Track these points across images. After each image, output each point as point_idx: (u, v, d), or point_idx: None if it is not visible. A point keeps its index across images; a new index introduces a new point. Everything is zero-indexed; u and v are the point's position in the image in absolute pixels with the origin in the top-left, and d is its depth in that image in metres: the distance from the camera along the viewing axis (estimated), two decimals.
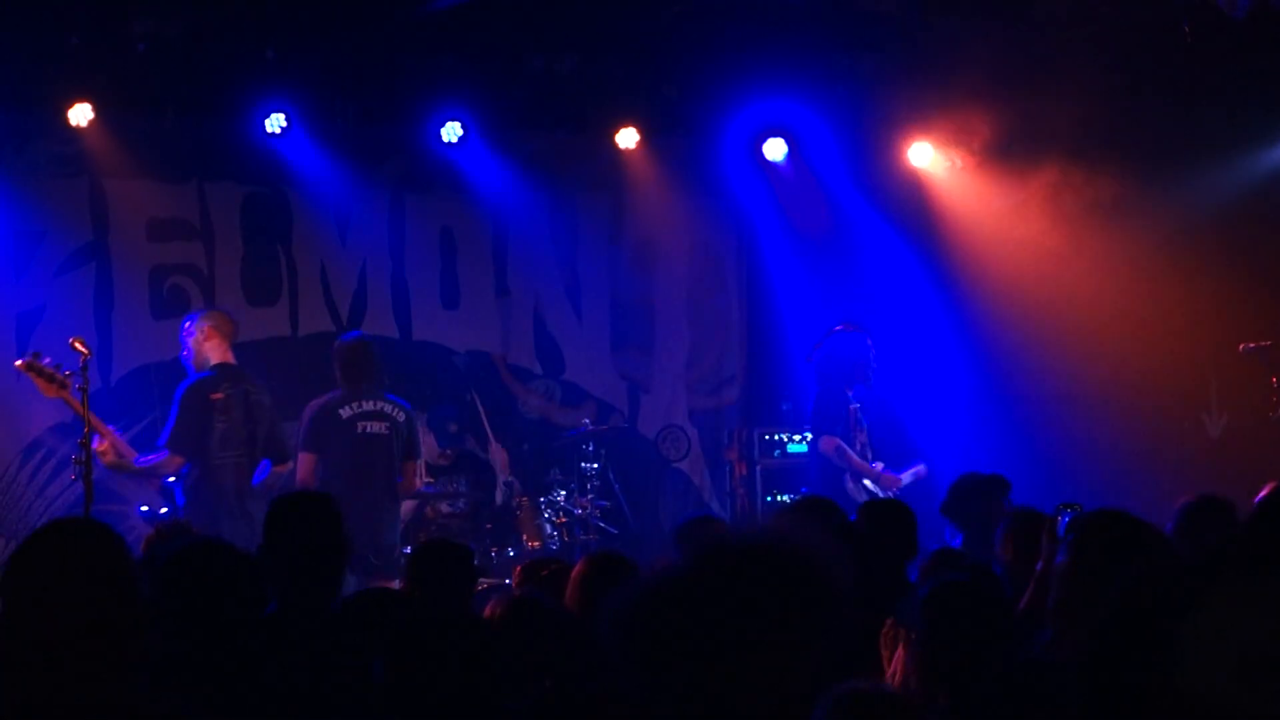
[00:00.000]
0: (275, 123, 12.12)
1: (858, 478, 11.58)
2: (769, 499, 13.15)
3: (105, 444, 9.67)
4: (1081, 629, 4.82)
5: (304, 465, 10.15)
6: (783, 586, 2.73)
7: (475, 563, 6.40)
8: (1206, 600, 2.58)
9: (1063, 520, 5.89)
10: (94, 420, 9.45)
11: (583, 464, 12.48)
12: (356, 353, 10.36)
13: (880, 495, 11.24)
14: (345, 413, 10.15)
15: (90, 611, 3.47)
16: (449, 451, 12.24)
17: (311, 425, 10.18)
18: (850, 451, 11.62)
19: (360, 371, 10.28)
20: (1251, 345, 10.86)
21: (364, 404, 10.21)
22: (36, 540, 3.66)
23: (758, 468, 13.27)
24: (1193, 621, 2.56)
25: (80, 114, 11.69)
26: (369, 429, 10.20)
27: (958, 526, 8.35)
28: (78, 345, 9.52)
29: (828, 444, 11.60)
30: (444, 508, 11.99)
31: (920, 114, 13.32)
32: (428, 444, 12.22)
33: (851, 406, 11.74)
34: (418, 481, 10.67)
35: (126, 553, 3.59)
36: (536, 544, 11.95)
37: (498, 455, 12.99)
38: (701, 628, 2.72)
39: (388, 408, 10.28)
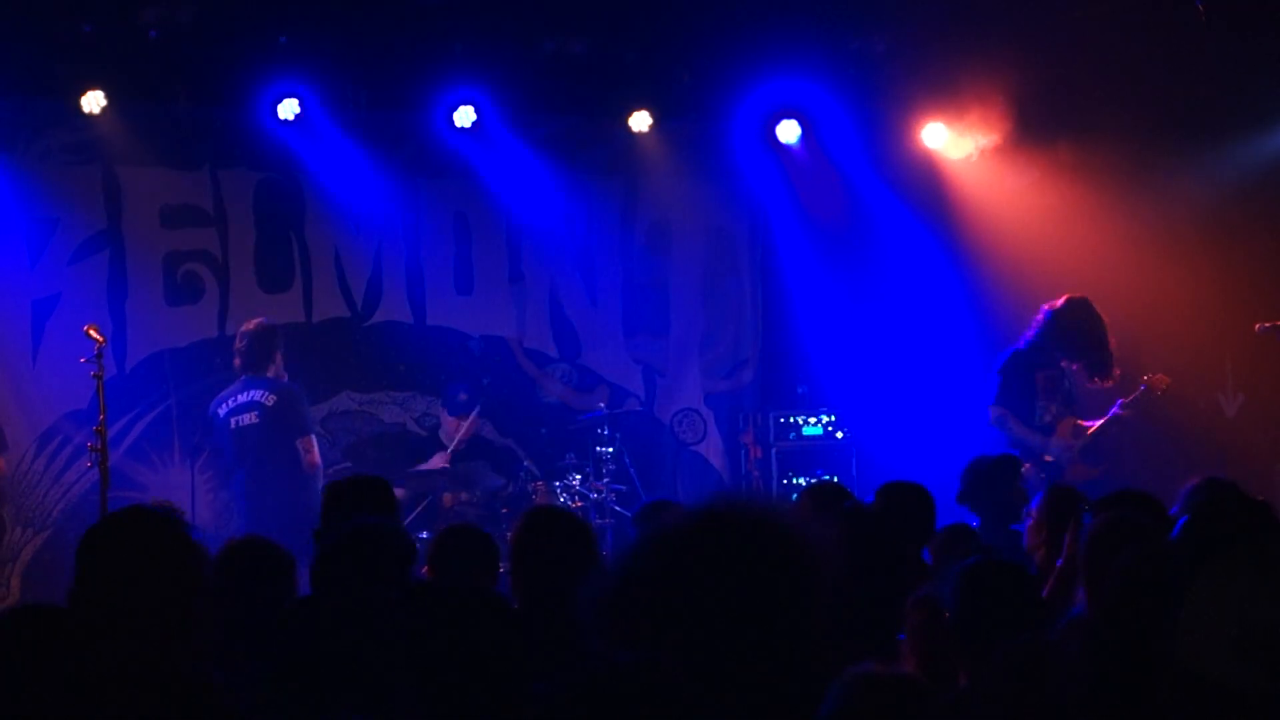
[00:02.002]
0: (288, 109, 12.13)
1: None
2: (784, 482, 13.15)
3: None
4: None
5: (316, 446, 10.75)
6: (762, 556, 2.72)
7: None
8: (1202, 577, 2.58)
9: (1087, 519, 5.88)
10: None
11: (598, 448, 12.48)
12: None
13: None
14: None
15: (157, 590, 3.72)
16: (462, 420, 12.22)
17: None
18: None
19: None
20: (1267, 324, 10.82)
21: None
22: (112, 522, 3.93)
23: (773, 450, 13.28)
24: (1189, 597, 2.57)
25: (93, 101, 11.71)
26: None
27: (975, 511, 8.35)
28: (92, 332, 9.56)
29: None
30: (461, 494, 12.00)
31: (934, 94, 13.30)
32: (444, 425, 12.26)
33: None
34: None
35: (191, 539, 3.81)
36: None
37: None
38: (678, 602, 2.71)
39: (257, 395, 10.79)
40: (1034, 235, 13.51)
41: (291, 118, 12.16)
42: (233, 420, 10.81)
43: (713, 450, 13.92)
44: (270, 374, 10.95)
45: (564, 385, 13.49)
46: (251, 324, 11.11)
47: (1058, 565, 6.34)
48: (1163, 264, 13.01)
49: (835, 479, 12.38)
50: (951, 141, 13.67)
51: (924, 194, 13.83)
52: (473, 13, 11.62)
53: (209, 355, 12.30)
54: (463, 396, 12.25)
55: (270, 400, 10.75)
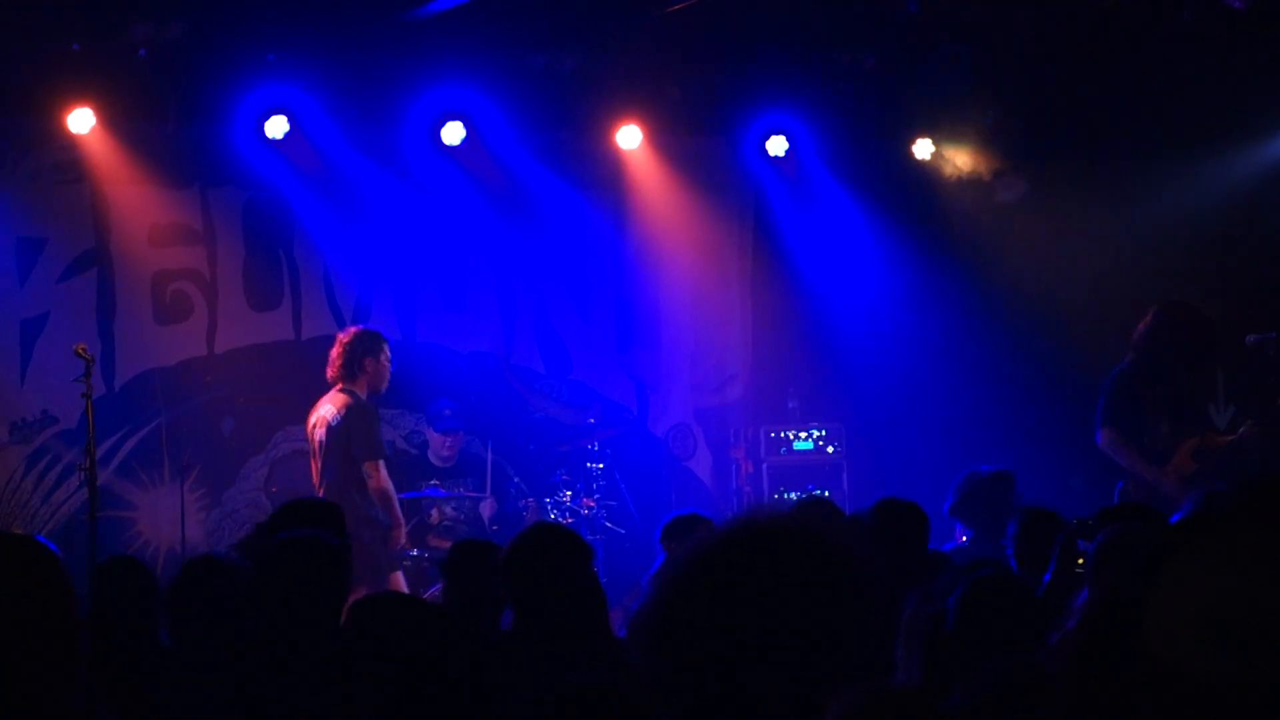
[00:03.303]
0: (277, 126, 12.12)
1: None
2: (775, 497, 13.14)
3: None
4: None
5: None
6: (815, 572, 2.70)
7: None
8: (1171, 565, 2.58)
9: (1082, 545, 5.86)
10: None
11: (588, 464, 12.47)
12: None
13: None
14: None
15: (28, 628, 3.47)
16: (449, 437, 12.19)
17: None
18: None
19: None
20: (1256, 337, 10.82)
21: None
22: None
23: (764, 465, 13.28)
24: (1158, 586, 2.56)
25: (81, 120, 11.69)
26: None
27: (967, 524, 8.34)
28: (81, 351, 9.52)
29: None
30: (449, 510, 11.97)
31: (925, 109, 13.33)
32: (432, 441, 12.23)
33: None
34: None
35: (63, 571, 3.61)
36: None
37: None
38: (732, 614, 2.68)
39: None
40: (1026, 250, 13.53)
41: (280, 135, 12.15)
42: (313, 432, 10.60)
43: (703, 465, 13.91)
44: (358, 385, 10.61)
45: (553, 401, 13.47)
46: (348, 333, 10.87)
47: (1045, 581, 6.34)
48: (1154, 277, 13.01)
49: (826, 493, 12.40)
50: (942, 156, 13.70)
51: (915, 209, 13.84)
52: (462, 29, 11.61)
53: (198, 374, 12.27)
54: (447, 412, 12.23)
55: (336, 419, 10.44)
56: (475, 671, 3.94)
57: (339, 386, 10.61)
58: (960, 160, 13.76)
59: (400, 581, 10.40)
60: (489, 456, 12.35)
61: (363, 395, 10.54)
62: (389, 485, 10.37)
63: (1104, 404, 10.20)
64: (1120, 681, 2.67)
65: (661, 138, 13.38)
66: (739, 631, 2.67)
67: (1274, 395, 10.37)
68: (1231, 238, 13.34)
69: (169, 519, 11.71)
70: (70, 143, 11.86)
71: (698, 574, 2.73)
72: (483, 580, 6.07)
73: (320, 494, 10.17)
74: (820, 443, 13.28)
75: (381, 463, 10.41)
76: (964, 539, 8.81)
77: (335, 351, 10.70)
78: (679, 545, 7.07)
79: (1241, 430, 10.28)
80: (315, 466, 10.55)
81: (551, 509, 12.09)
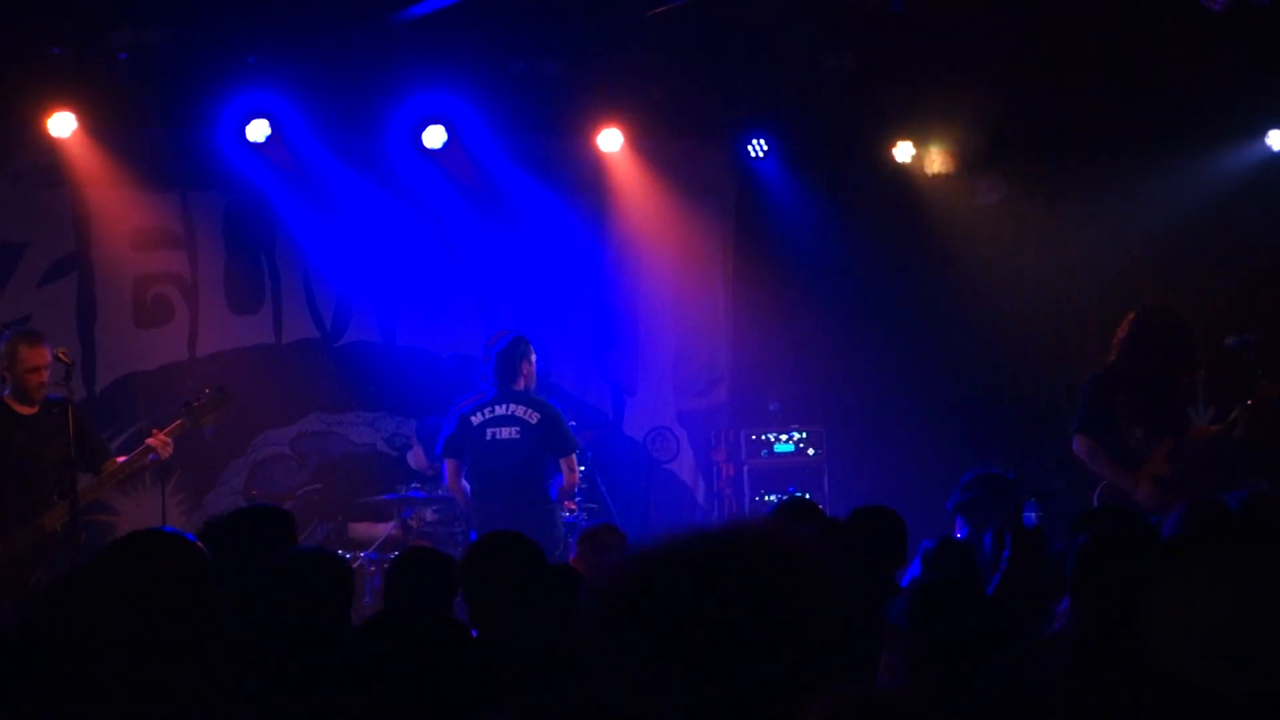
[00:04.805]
0: (258, 130, 12.11)
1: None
2: (757, 499, 13.16)
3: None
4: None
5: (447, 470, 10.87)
6: (778, 582, 2.71)
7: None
8: (1171, 576, 2.60)
9: (1027, 515, 5.91)
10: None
11: None
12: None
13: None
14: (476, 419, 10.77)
15: (163, 622, 3.61)
16: (437, 464, 12.19)
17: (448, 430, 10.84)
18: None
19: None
20: (1234, 338, 10.84)
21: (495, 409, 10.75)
22: (116, 550, 3.75)
23: (745, 468, 13.29)
24: (1158, 597, 2.59)
25: (62, 124, 11.67)
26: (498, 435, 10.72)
27: (967, 522, 8.38)
28: (61, 355, 9.51)
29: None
30: (429, 515, 11.96)
31: (904, 111, 13.35)
32: (417, 456, 12.19)
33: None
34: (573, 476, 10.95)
35: (206, 563, 3.69)
36: None
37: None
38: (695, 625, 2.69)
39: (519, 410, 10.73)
40: (1006, 252, 13.56)
41: (261, 139, 12.14)
42: (489, 431, 10.72)
43: (685, 468, 13.92)
44: (520, 386, 10.86)
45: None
46: (497, 339, 11.13)
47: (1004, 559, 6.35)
48: (1134, 278, 13.05)
49: (807, 496, 12.41)
50: (922, 158, 13.72)
51: (895, 212, 13.86)
52: (444, 33, 11.60)
53: (179, 377, 12.24)
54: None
55: (534, 418, 10.75)
56: (470, 685, 3.96)
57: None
58: (940, 162, 13.78)
59: None
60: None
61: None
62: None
63: (1080, 409, 10.14)
64: (1118, 694, 2.69)
65: (642, 141, 13.38)
66: (692, 629, 2.68)
67: (1254, 396, 10.38)
68: (1211, 239, 13.39)
69: (151, 523, 11.67)
70: (51, 147, 11.84)
71: (660, 579, 2.74)
72: (429, 591, 6.07)
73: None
74: (801, 445, 13.30)
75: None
76: (959, 535, 8.82)
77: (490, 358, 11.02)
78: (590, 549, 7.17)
79: (1233, 417, 10.16)
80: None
81: None
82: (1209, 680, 2.50)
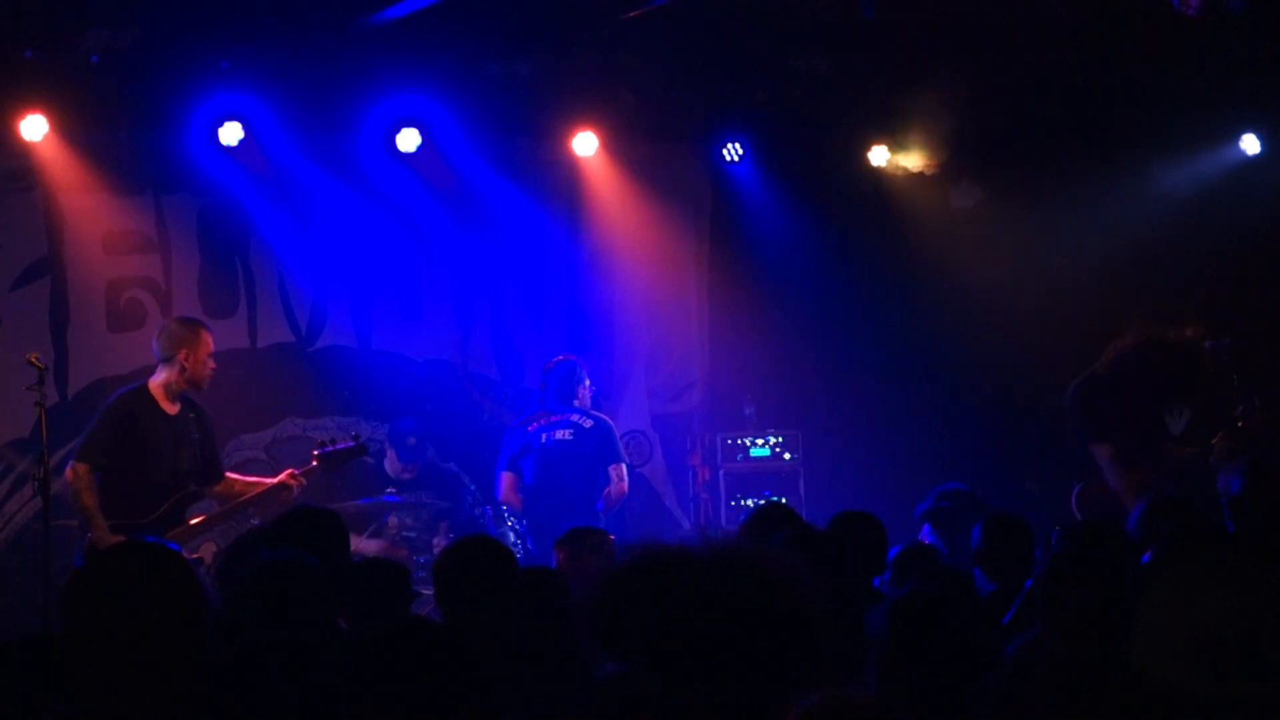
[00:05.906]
0: (231, 133, 12.07)
1: None
2: (732, 504, 13.15)
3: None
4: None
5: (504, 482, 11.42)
6: (753, 602, 2.72)
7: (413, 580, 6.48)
8: (1157, 585, 2.61)
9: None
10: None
11: None
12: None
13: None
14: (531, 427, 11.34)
15: (155, 634, 3.58)
16: (411, 467, 12.14)
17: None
18: None
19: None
20: (1211, 342, 10.87)
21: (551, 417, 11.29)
22: (102, 562, 3.75)
23: (721, 472, 13.28)
24: (1144, 605, 2.59)
25: (34, 127, 11.62)
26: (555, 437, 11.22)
27: (934, 530, 8.37)
28: (33, 360, 9.46)
29: None
30: (408, 521, 11.92)
31: (879, 116, 13.35)
32: (391, 460, 12.14)
33: None
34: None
35: (194, 576, 3.68)
36: None
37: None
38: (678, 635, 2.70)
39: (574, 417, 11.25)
40: (981, 257, 13.56)
41: (235, 143, 12.09)
42: (544, 435, 11.28)
43: (659, 472, 13.90)
44: (576, 405, 11.42)
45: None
46: (555, 365, 11.61)
47: (1026, 587, 6.36)
48: (1110, 282, 13.07)
49: (783, 500, 12.39)
50: (897, 162, 13.72)
51: (871, 215, 13.87)
52: (418, 35, 11.58)
53: None
54: (411, 440, 12.15)
55: (587, 423, 11.26)
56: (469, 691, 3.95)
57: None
58: (915, 166, 13.78)
59: None
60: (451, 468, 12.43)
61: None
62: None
63: (1097, 416, 10.09)
64: (1097, 700, 2.69)
65: (617, 144, 13.36)
66: (674, 630, 2.69)
67: (1229, 401, 10.40)
68: (1188, 243, 13.40)
69: None
70: (22, 150, 11.79)
71: (647, 579, 2.75)
72: (383, 601, 6.06)
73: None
74: (777, 449, 13.29)
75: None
76: (926, 540, 8.82)
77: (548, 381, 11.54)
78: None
79: (1214, 443, 10.14)
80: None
81: (509, 516, 12.05)
82: (1197, 689, 2.50)
